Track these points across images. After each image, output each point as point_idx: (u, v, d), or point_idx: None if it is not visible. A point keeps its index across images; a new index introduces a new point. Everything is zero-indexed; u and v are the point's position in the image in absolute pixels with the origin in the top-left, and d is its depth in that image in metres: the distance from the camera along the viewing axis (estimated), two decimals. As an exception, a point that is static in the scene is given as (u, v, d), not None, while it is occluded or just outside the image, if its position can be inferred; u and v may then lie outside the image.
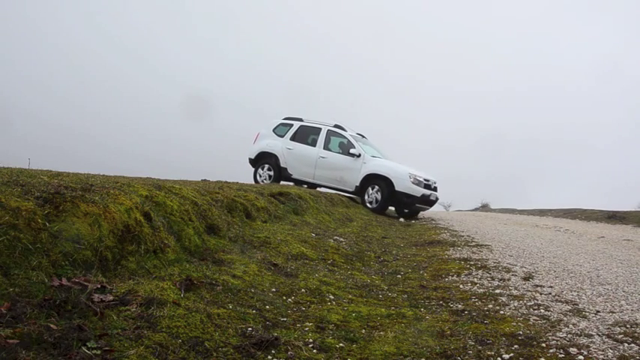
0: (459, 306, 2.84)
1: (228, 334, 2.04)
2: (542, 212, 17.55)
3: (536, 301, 2.92)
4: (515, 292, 3.17)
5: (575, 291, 3.22)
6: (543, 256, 4.90)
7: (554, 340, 2.18)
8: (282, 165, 11.07)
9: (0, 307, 1.69)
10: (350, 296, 3.02)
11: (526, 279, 3.60)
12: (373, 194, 10.41)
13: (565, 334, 2.26)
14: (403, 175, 10.21)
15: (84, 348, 1.61)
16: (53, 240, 2.17)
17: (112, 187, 3.08)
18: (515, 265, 4.19)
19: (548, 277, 3.70)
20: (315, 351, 2.00)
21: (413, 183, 10.18)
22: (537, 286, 3.37)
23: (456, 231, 7.32)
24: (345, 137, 10.85)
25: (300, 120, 11.41)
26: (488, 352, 2.02)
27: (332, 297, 2.92)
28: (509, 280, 3.57)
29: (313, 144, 11.00)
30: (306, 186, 11.62)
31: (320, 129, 11.09)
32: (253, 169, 11.42)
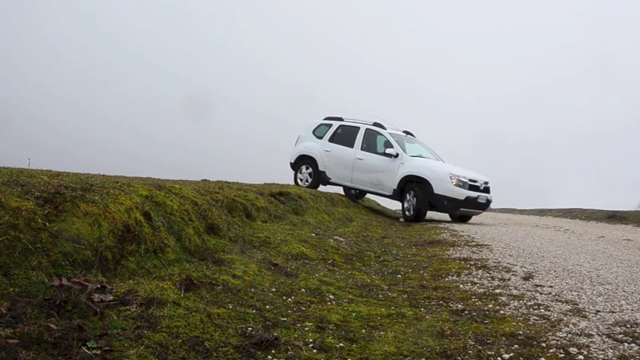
0: (459, 306, 2.84)
1: (228, 333, 2.04)
2: (542, 212, 17.56)
3: (536, 301, 2.92)
4: (515, 292, 3.17)
5: (575, 291, 3.22)
6: (543, 255, 4.90)
7: (554, 339, 2.18)
8: (320, 169, 10.44)
9: (0, 307, 1.69)
10: (350, 296, 3.02)
11: (526, 279, 3.60)
12: (411, 200, 9.31)
13: (565, 334, 2.26)
14: (442, 176, 9.13)
15: (84, 348, 1.61)
16: (53, 240, 2.17)
17: (112, 187, 3.08)
18: (515, 265, 4.19)
19: (548, 276, 3.70)
20: (315, 351, 2.00)
21: (455, 185, 9.08)
22: (537, 285, 3.37)
23: (455, 231, 7.32)
24: (383, 136, 9.95)
25: (340, 119, 10.71)
26: (489, 352, 2.02)
27: (332, 297, 2.92)
28: (509, 279, 3.57)
29: (351, 145, 10.22)
30: (354, 192, 11.37)
31: (358, 128, 10.30)
32: (293, 173, 10.94)
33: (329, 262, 4.05)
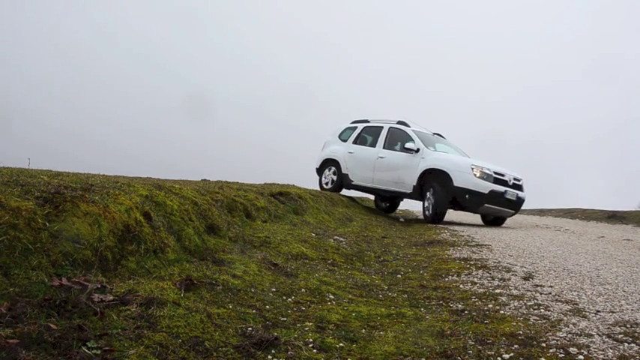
0: (459, 306, 2.84)
1: (228, 333, 2.04)
2: (542, 212, 17.55)
3: (536, 301, 2.92)
4: (515, 292, 3.17)
5: (575, 291, 3.22)
6: (543, 255, 4.90)
7: (554, 339, 2.18)
8: (343, 171, 10.24)
9: (0, 307, 1.69)
10: (350, 296, 3.02)
11: (526, 279, 3.60)
12: (431, 198, 8.60)
13: (565, 334, 2.26)
14: (463, 167, 8.37)
15: (84, 348, 1.61)
16: (53, 240, 2.17)
17: (112, 186, 3.08)
18: (515, 265, 4.19)
19: (548, 276, 3.70)
20: (315, 351, 2.00)
21: (478, 177, 8.26)
22: (537, 285, 3.37)
23: (455, 231, 7.32)
24: (406, 133, 9.46)
25: (366, 121, 10.46)
26: (489, 352, 2.02)
27: (332, 297, 2.92)
28: (509, 279, 3.57)
29: (373, 144, 9.90)
30: (385, 205, 11.21)
31: (381, 128, 9.97)
32: (318, 178, 10.83)
33: (329, 262, 4.05)
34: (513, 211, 9.02)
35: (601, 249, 5.76)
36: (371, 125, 10.32)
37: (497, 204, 8.50)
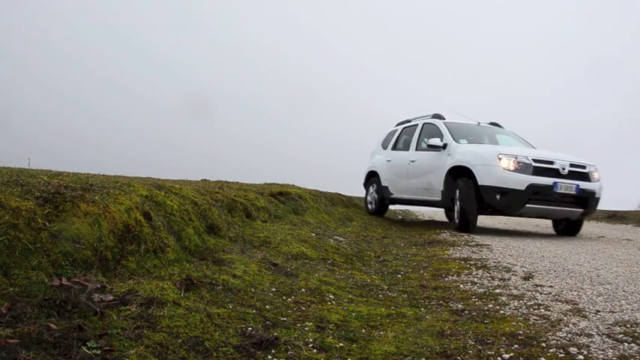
0: (459, 305, 2.84)
1: (228, 333, 2.04)
2: (542, 212, 17.52)
3: (536, 301, 2.92)
4: (515, 292, 3.17)
5: (575, 290, 3.22)
6: (543, 255, 4.90)
7: (554, 339, 2.18)
8: (383, 184, 8.87)
9: (0, 307, 1.69)
10: (350, 296, 3.02)
11: (526, 278, 3.60)
12: (458, 202, 6.72)
13: (565, 334, 2.26)
14: (488, 159, 6.41)
15: (84, 348, 1.61)
16: (53, 240, 2.17)
17: (112, 186, 3.08)
18: (515, 265, 4.19)
19: (548, 276, 3.70)
20: (315, 350, 2.00)
21: (510, 169, 6.25)
22: (537, 285, 3.37)
23: (455, 231, 7.32)
24: (436, 127, 7.78)
25: (407, 121, 9.04)
26: (489, 352, 2.02)
27: (332, 297, 2.92)
28: (509, 279, 3.57)
29: (407, 147, 8.44)
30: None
31: (416, 126, 8.44)
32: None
33: (329, 261, 4.05)
34: (581, 210, 6.58)
35: (601, 249, 5.76)
36: (408, 125, 8.83)
37: (547, 202, 6.31)
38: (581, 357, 1.97)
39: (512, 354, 2.00)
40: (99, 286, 2.09)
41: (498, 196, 6.27)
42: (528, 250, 5.30)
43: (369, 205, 9.49)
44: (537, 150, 7.16)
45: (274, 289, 2.89)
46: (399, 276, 3.85)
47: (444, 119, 8.05)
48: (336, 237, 5.49)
